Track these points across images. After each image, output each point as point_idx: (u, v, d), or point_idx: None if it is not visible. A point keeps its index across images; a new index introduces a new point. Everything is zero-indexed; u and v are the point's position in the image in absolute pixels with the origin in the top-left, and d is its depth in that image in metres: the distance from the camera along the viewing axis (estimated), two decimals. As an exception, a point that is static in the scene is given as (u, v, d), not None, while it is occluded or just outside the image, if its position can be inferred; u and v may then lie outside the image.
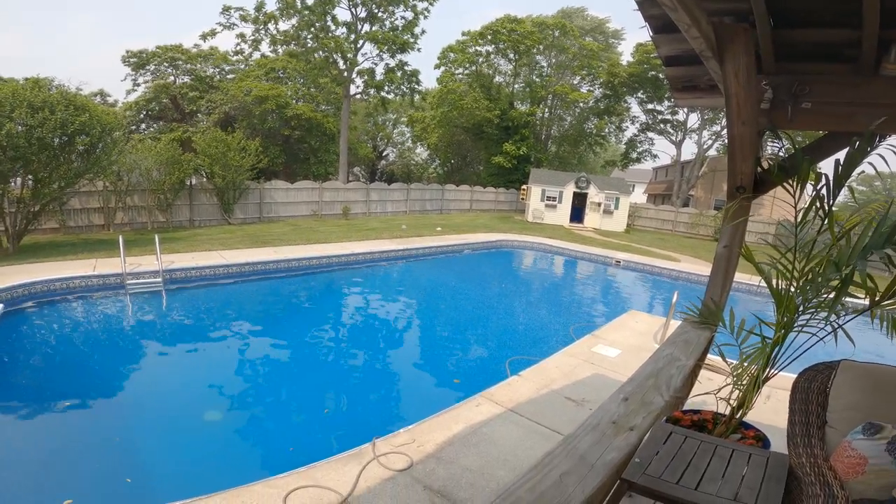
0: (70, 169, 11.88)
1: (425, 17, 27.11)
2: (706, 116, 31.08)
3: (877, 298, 2.41)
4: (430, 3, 26.71)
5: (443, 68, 33.56)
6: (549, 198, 26.97)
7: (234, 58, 30.00)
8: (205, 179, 19.11)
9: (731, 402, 3.02)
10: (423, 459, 3.81)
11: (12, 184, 11.62)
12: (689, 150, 34.48)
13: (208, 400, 6.04)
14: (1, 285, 8.23)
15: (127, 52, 28.41)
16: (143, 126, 29.58)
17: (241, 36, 26.35)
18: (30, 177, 11.45)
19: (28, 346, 7.48)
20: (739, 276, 4.92)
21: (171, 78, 29.54)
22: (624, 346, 7.10)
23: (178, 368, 7.10)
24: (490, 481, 3.57)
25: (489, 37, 31.56)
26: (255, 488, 3.35)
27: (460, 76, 33.65)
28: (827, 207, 2.65)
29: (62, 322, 8.44)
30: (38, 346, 7.52)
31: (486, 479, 3.59)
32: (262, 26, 25.64)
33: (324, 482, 3.44)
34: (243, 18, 25.28)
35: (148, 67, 29.09)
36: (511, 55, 33.15)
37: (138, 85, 29.34)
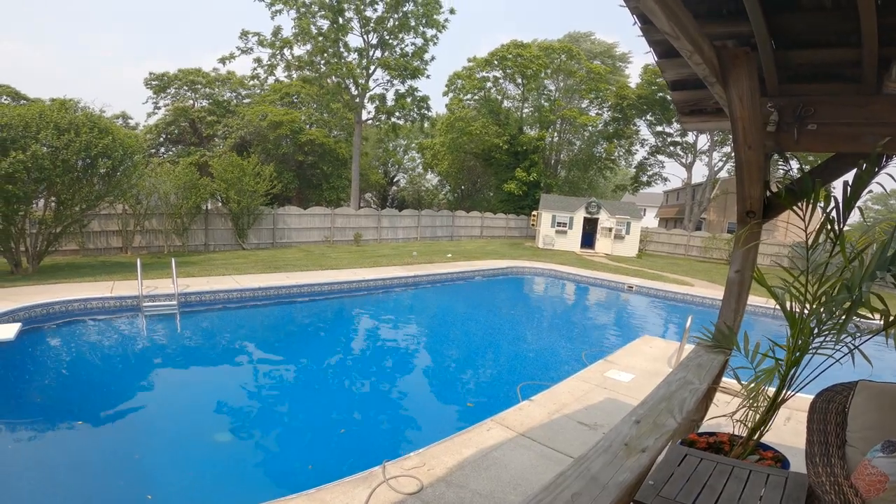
0: (92, 191, 12.17)
1: (434, 44, 27.88)
2: (716, 138, 31.05)
3: (891, 319, 2.39)
4: (439, 31, 27.51)
5: (451, 94, 34.16)
6: (559, 223, 26.97)
7: (251, 82, 30.98)
8: (220, 204, 19.49)
9: (748, 424, 2.96)
10: (433, 483, 3.76)
11: (34, 205, 11.95)
12: (699, 173, 34.46)
13: (221, 420, 6.07)
14: (20, 305, 8.42)
15: (150, 74, 29.60)
16: (163, 149, 30.49)
17: (258, 60, 27.33)
18: (52, 198, 11.77)
19: (46, 364, 7.60)
20: (754, 300, 4.88)
21: (191, 101, 30.55)
22: (638, 370, 6.99)
23: (191, 389, 7.14)
24: (501, 507, 3.50)
25: (495, 62, 32.16)
26: (264, 510, 3.33)
27: (469, 102, 34.21)
28: (838, 229, 2.66)
29: (80, 342, 8.56)
30: (55, 365, 7.63)
31: (496, 505, 3.52)
32: (278, 51, 26.55)
33: (332, 505, 3.41)
34: (260, 43, 26.22)
35: (169, 90, 30.13)
36: (519, 80, 33.69)
37: (159, 108, 30.40)
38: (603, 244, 26.54)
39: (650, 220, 46.84)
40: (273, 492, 3.89)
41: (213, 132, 29.21)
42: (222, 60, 26.82)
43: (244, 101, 32.09)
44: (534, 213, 29.08)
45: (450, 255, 20.32)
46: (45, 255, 12.14)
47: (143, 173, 14.68)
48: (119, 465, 4.83)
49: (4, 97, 24.14)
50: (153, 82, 29.58)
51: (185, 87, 30.20)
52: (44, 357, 7.80)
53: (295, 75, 29.21)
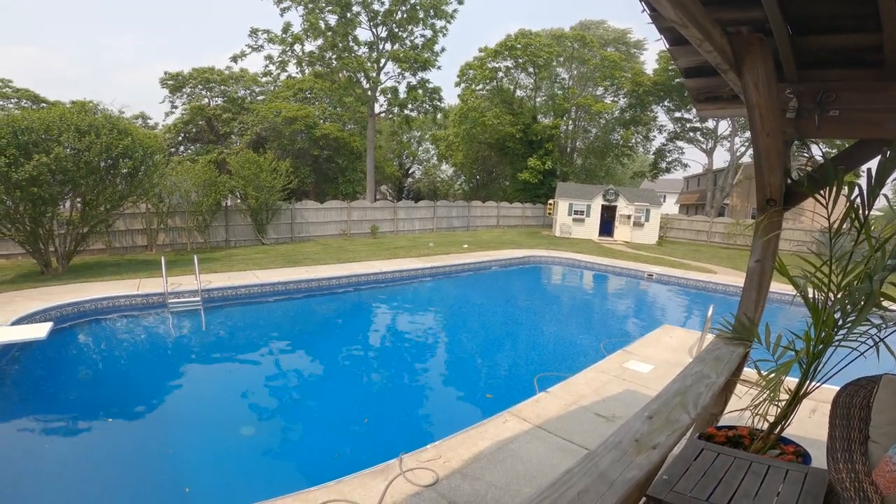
0: (115, 191, 12.50)
1: (444, 35, 27.64)
2: (738, 123, 30.18)
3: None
4: (448, 21, 27.26)
5: (463, 85, 33.91)
6: (576, 212, 26.66)
7: (263, 79, 31.28)
8: (239, 200, 19.84)
9: (769, 417, 2.91)
10: (449, 475, 3.80)
11: (61, 207, 12.34)
12: (721, 158, 33.62)
13: (248, 413, 6.27)
14: (52, 304, 8.75)
15: (165, 73, 30.14)
16: (182, 148, 31.11)
17: (269, 57, 27.52)
18: (78, 199, 12.14)
19: (78, 361, 7.90)
20: (779, 288, 4.76)
21: (206, 100, 31.04)
22: (657, 361, 6.91)
23: (218, 383, 7.36)
24: (515, 498, 3.53)
25: (505, 53, 31.78)
26: (285, 502, 3.42)
27: (481, 92, 33.91)
28: (862, 218, 2.57)
29: (109, 339, 8.88)
30: (87, 362, 7.93)
31: (511, 496, 3.55)
32: (288, 48, 26.68)
33: (351, 496, 3.48)
34: (270, 40, 26.39)
35: (184, 90, 30.66)
36: (531, 69, 33.23)
37: (176, 107, 30.99)
38: (622, 232, 26.15)
39: (670, 206, 45.88)
40: (300, 482, 4.03)
41: (229, 129, 29.65)
42: (234, 59, 27.10)
43: (258, 97, 32.46)
44: (550, 201, 28.77)
45: (466, 246, 20.30)
46: (73, 254, 12.55)
47: (164, 172, 15.00)
48: (156, 459, 5.02)
49: (25, 101, 24.86)
50: (168, 82, 30.12)
51: (200, 86, 30.68)
52: (76, 355, 8.11)
53: (307, 71, 29.37)
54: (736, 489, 2.07)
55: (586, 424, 4.81)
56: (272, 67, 27.86)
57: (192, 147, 30.98)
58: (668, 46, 2.90)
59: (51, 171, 10.65)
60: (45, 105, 23.78)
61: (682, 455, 2.42)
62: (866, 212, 2.57)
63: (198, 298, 10.21)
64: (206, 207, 17.22)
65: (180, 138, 30.78)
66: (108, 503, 4.30)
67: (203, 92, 31.06)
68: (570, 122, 35.96)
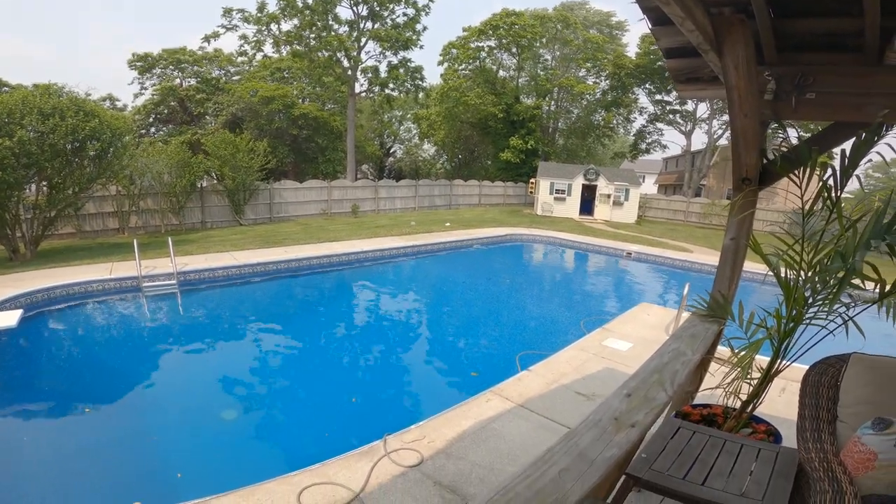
0: (83, 174, 12.11)
1: (426, 14, 27.07)
2: (716, 106, 30.59)
3: (886, 290, 2.38)
4: (431, 0, 26.69)
5: (446, 65, 33.45)
6: (558, 191, 26.81)
7: (239, 59, 30.26)
8: (215, 181, 19.35)
9: (741, 396, 3.01)
10: (434, 455, 3.86)
11: (27, 190, 11.89)
12: (699, 140, 34.03)
13: (230, 396, 6.24)
14: (21, 291, 8.45)
15: (133, 55, 28.86)
16: (153, 129, 30.07)
17: (244, 37, 26.57)
18: (44, 183, 11.70)
19: (51, 349, 7.69)
20: (752, 267, 4.87)
21: (178, 81, 29.92)
22: (635, 339, 7.07)
23: (198, 368, 7.27)
24: (499, 476, 3.61)
25: (489, 32, 31.37)
26: (269, 486, 3.43)
27: (464, 72, 33.49)
28: (834, 198, 2.63)
29: (82, 325, 8.65)
30: (60, 350, 7.73)
31: (495, 475, 3.62)
32: (264, 27, 25.76)
33: (336, 479, 3.51)
34: (245, 20, 25.41)
35: (154, 71, 29.53)
36: (514, 49, 32.91)
37: (145, 88, 29.82)
38: (602, 211, 26.45)
39: (649, 186, 46.45)
40: (286, 464, 4.04)
41: (203, 110, 28.73)
42: (206, 39, 26.12)
43: (233, 78, 31.42)
44: (532, 180, 28.84)
45: (448, 224, 20.27)
46: (41, 239, 12.12)
47: (134, 154, 14.52)
48: (139, 448, 4.96)
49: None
50: (137, 63, 28.90)
51: (171, 67, 29.53)
52: (48, 343, 7.89)
53: (284, 51, 28.45)
54: (711, 467, 2.14)
55: (567, 403, 4.92)
56: (247, 47, 26.93)
57: (164, 128, 29.94)
58: (650, 27, 2.88)
59: (14, 155, 10.28)
60: (7, 89, 22.62)
61: (660, 433, 2.49)
62: (839, 192, 2.63)
63: (173, 281, 10.00)
64: (180, 189, 16.75)
65: (151, 119, 29.70)
66: (91, 494, 4.24)
67: (174, 73, 29.90)
68: (553, 102, 35.84)
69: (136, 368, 7.03)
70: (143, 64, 28.98)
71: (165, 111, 29.48)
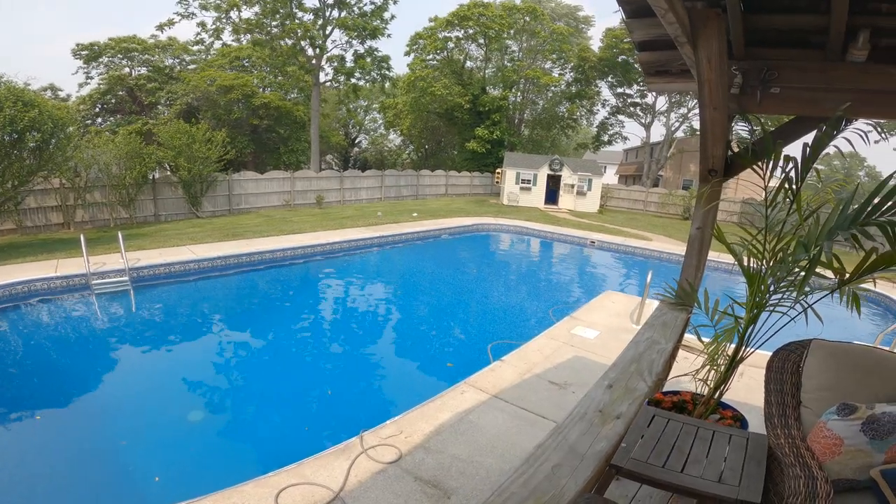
0: (23, 167, 11.35)
1: (395, 2, 26.60)
2: (673, 100, 31.72)
3: (846, 278, 2.50)
4: (399, -12, 26.23)
5: (413, 55, 33.05)
6: (523, 181, 27.12)
7: (195, 48, 28.84)
8: (169, 172, 18.44)
9: (709, 382, 3.11)
10: (412, 450, 3.82)
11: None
12: (657, 132, 35.22)
13: (194, 397, 5.98)
14: (-45, 292, 7.80)
15: (77, 45, 27.04)
16: (100, 120, 28.33)
17: (202, 25, 25.27)
18: (-21, 176, 10.85)
19: (-10, 354, 7.14)
20: (716, 256, 5.06)
21: (127, 70, 28.27)
22: (602, 326, 7.24)
23: (156, 368, 6.93)
24: (479, 469, 3.62)
25: (456, 22, 31.18)
26: (246, 488, 3.31)
27: (431, 62, 33.18)
28: (795, 189, 2.73)
29: (28, 327, 8.07)
30: (4, 354, 7.17)
31: (475, 467, 3.63)
32: (223, 14, 24.58)
33: (314, 479, 3.42)
34: (203, 7, 24.17)
35: (101, 60, 27.82)
36: (481, 40, 32.87)
37: (91, 78, 28.04)
38: (566, 200, 26.97)
39: (610, 177, 47.66)
40: (259, 462, 3.90)
41: (154, 100, 27.27)
42: (160, 27, 24.70)
43: (189, 67, 29.89)
44: (498, 170, 29.03)
45: (415, 215, 20.15)
46: (-24, 235, 11.24)
47: (78, 145, 13.65)
48: (100, 454, 4.71)
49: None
50: (82, 52, 27.04)
51: (120, 56, 27.81)
52: (-12, 345, 7.32)
53: (244, 39, 27.28)
54: (688, 455, 2.19)
55: (541, 392, 4.99)
56: (205, 35, 25.63)
57: (111, 118, 28.21)
58: (625, 18, 2.89)
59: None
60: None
61: (637, 422, 2.54)
62: (799, 183, 2.74)
63: (125, 278, 9.46)
64: (129, 180, 15.86)
65: (97, 110, 27.93)
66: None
67: (123, 62, 28.17)
68: (519, 93, 36.08)
69: (89, 371, 6.65)
70: (89, 53, 27.16)
71: (113, 101, 27.79)
